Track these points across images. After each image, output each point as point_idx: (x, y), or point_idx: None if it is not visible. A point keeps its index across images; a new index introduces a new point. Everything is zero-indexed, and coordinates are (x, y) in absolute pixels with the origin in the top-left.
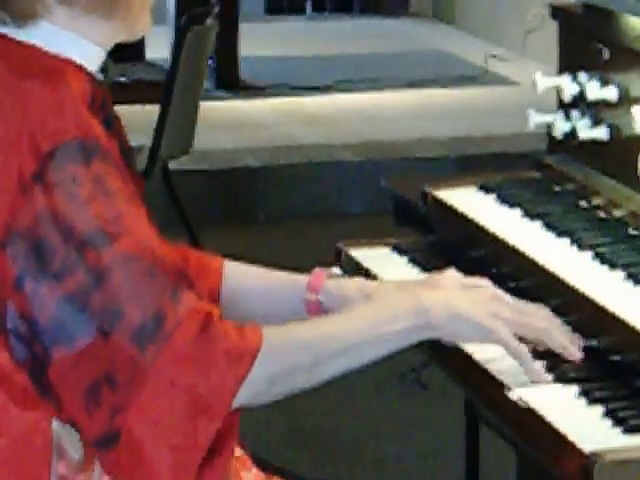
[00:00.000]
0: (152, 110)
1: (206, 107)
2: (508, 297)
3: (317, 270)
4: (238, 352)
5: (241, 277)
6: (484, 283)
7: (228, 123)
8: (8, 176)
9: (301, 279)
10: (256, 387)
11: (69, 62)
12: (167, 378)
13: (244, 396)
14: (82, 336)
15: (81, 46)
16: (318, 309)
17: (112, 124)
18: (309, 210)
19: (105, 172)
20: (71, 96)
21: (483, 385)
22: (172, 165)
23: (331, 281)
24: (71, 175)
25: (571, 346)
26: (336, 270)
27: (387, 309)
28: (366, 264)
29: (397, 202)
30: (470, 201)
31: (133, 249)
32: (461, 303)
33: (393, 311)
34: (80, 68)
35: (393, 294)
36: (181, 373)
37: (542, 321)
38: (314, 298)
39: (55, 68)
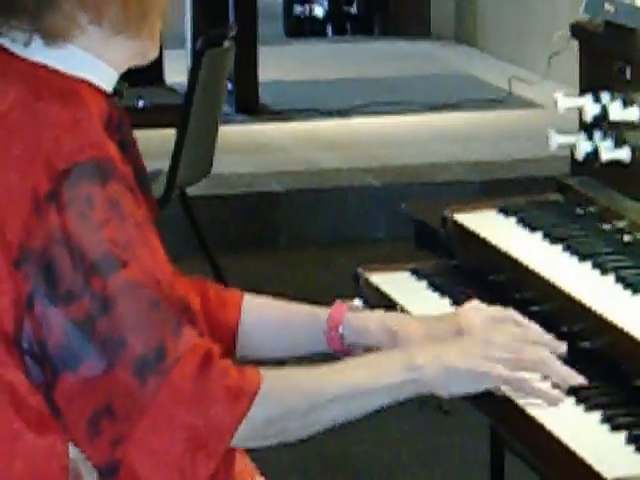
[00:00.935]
0: (170, 134)
1: (225, 131)
2: (500, 336)
3: (338, 302)
4: (237, 390)
5: (260, 311)
6: (509, 313)
7: (248, 147)
8: (23, 195)
9: (322, 312)
10: (253, 427)
11: (85, 82)
12: (166, 413)
13: (241, 435)
14: (87, 363)
15: (97, 68)
16: (339, 342)
17: (128, 146)
18: (330, 235)
19: (119, 195)
20: (88, 116)
21: (507, 412)
22: (191, 190)
23: (352, 314)
24: (85, 195)
25: (571, 375)
26: (357, 302)
27: (381, 364)
28: (385, 289)
29: (417, 226)
30: (490, 225)
31: (140, 277)
32: (452, 356)
33: (386, 367)
34: (96, 88)
35: (390, 353)
36: (180, 409)
37: (536, 353)
38: (335, 331)
39: (72, 88)
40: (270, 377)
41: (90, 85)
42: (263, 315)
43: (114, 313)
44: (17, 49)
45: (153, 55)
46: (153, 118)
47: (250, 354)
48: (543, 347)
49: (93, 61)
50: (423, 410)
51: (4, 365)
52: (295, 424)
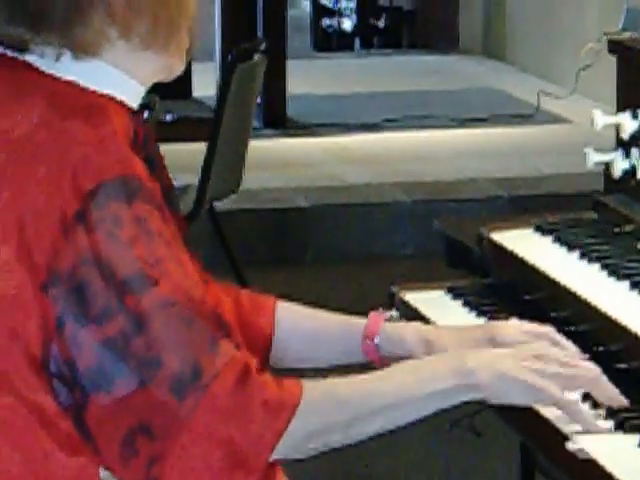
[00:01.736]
0: (199, 148)
1: (253, 146)
2: (553, 350)
3: (374, 313)
4: (277, 405)
5: (295, 318)
6: (546, 330)
7: (275, 162)
8: (50, 216)
9: (358, 322)
10: (293, 441)
11: (110, 98)
12: (204, 430)
13: (281, 450)
14: (121, 383)
15: (123, 83)
16: (375, 352)
17: (154, 162)
18: (358, 251)
19: (147, 213)
20: (113, 133)
21: (541, 433)
22: (219, 205)
23: (389, 324)
24: (113, 214)
25: (618, 395)
26: (394, 313)
27: (429, 369)
28: (420, 307)
29: (450, 244)
30: (526, 243)
31: (172, 294)
32: (506, 364)
33: (435, 371)
34: (121, 104)
35: (438, 357)
36: (218, 425)
37: (587, 372)
38: (371, 341)
39: (97, 105)
40: (310, 389)
41: (116, 102)
42: (298, 322)
43: (148, 332)
44: (44, 65)
45: (179, 70)
46: (181, 132)
47: (284, 362)
48: (593, 365)
49: (120, 76)
50: (454, 430)
51: (33, 388)
52: (337, 437)
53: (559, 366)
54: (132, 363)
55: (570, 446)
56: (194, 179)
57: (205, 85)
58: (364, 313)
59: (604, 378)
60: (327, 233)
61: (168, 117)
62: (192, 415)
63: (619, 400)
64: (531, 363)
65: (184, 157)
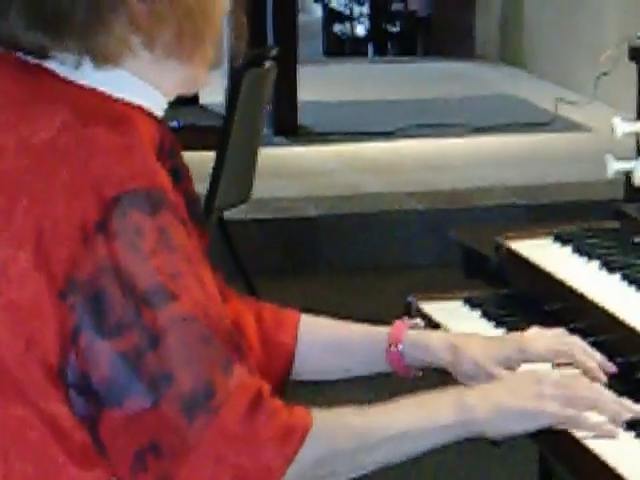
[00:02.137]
0: (206, 156)
1: (264, 154)
2: (553, 373)
3: (398, 321)
4: (287, 431)
5: (318, 332)
6: (573, 339)
7: (287, 170)
8: (71, 224)
9: (381, 330)
10: (301, 468)
11: (136, 107)
12: (213, 453)
13: (290, 476)
14: (134, 399)
15: (146, 93)
16: (399, 360)
17: (180, 173)
18: (372, 262)
19: (169, 225)
20: (139, 142)
21: (560, 442)
22: (228, 214)
23: (413, 331)
24: (135, 225)
25: (623, 412)
26: (419, 321)
27: (432, 404)
28: (437, 318)
29: (467, 254)
30: (545, 253)
31: (190, 310)
32: (503, 396)
33: (438, 407)
34: (147, 113)
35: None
36: (228, 449)
37: (589, 391)
38: (395, 349)
39: (123, 113)
40: (320, 417)
41: (141, 110)
42: (321, 336)
43: (163, 348)
44: (65, 72)
45: (204, 82)
46: (188, 139)
47: (307, 375)
48: (596, 383)
49: (143, 86)
50: (471, 440)
51: (48, 398)
52: (344, 466)
53: (558, 388)
54: (145, 379)
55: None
56: (202, 188)
57: (213, 92)
58: (379, 323)
59: (607, 396)
60: (339, 243)
61: (175, 124)
62: (201, 437)
63: (625, 414)
64: (529, 389)
65: (191, 165)
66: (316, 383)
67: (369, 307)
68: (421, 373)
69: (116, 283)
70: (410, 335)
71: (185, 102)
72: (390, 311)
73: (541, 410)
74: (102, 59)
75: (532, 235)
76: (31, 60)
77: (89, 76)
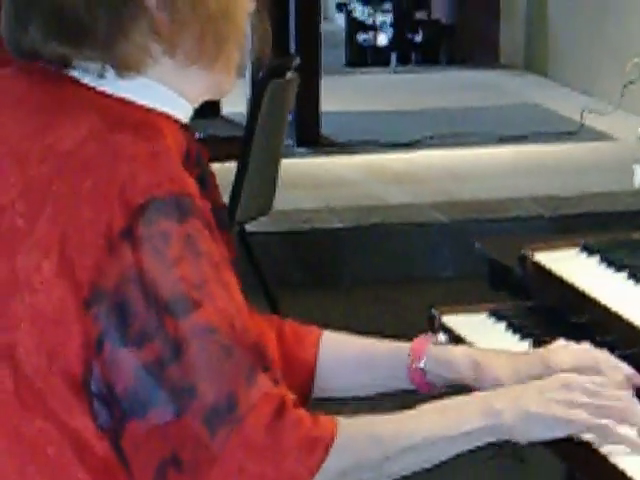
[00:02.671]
0: (227, 168)
1: (286, 165)
2: (582, 379)
3: (420, 337)
4: (312, 441)
5: (339, 349)
6: (600, 353)
7: (309, 181)
8: (96, 231)
9: (403, 346)
10: (326, 479)
11: (161, 113)
12: (236, 464)
13: None
14: (155, 410)
15: (172, 100)
16: (421, 377)
17: (206, 181)
18: (396, 274)
19: (197, 232)
20: (165, 149)
21: (587, 459)
22: (250, 226)
23: (435, 347)
24: (162, 231)
25: None
26: (441, 337)
27: (457, 410)
28: (461, 331)
29: (492, 265)
30: (572, 264)
31: (213, 320)
32: (531, 400)
33: (463, 412)
34: (173, 120)
35: (465, 398)
36: (251, 460)
37: (618, 402)
38: (417, 365)
39: (148, 120)
40: (345, 427)
41: (167, 117)
42: (342, 353)
43: (185, 358)
44: (89, 81)
45: (228, 88)
46: (210, 150)
47: (328, 392)
48: (626, 393)
49: (167, 93)
50: (498, 457)
51: (70, 410)
52: (369, 475)
53: (588, 396)
54: (167, 390)
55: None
56: (224, 199)
57: (234, 102)
58: (403, 337)
59: (637, 407)
60: (363, 255)
61: (196, 135)
62: (224, 450)
63: None
64: (558, 395)
65: None
66: (338, 400)
67: (393, 320)
68: (443, 390)
69: (140, 292)
70: (432, 351)
71: (207, 113)
72: (414, 324)
73: (570, 417)
74: (124, 68)
75: (558, 246)
76: (55, 69)
77: (112, 85)
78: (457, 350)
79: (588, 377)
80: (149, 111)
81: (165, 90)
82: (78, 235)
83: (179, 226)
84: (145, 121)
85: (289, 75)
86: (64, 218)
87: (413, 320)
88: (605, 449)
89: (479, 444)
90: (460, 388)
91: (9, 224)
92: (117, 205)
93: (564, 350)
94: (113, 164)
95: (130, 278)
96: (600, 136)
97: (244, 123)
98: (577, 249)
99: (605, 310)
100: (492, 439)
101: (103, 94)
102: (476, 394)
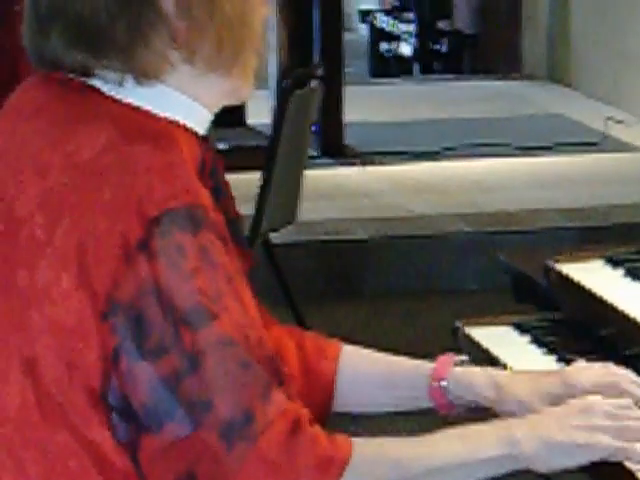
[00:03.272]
0: (252, 178)
1: (309, 175)
2: (601, 403)
3: (443, 356)
4: (327, 460)
5: (360, 363)
6: (622, 372)
7: (332, 192)
8: (113, 242)
9: (425, 365)
10: None
11: (178, 125)
12: None
13: None
14: (172, 424)
15: (191, 108)
16: (442, 397)
17: (221, 193)
18: (419, 285)
19: (211, 244)
20: (181, 161)
21: (613, 475)
22: (274, 237)
23: (458, 368)
24: (177, 244)
25: None
26: (464, 357)
27: (476, 436)
28: (486, 344)
29: (517, 277)
30: (597, 276)
31: (229, 333)
32: (552, 429)
33: (482, 439)
34: (189, 131)
35: (485, 424)
36: (267, 476)
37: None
38: (438, 385)
39: (165, 131)
40: (361, 447)
41: (184, 128)
42: (362, 368)
43: (202, 371)
44: (109, 89)
45: (247, 94)
46: (235, 160)
47: (347, 407)
48: None
49: (186, 101)
50: (524, 475)
51: (89, 423)
52: None
53: (608, 418)
54: (184, 404)
55: None
56: (247, 209)
57: (259, 112)
58: (426, 350)
59: None
60: (387, 266)
61: (221, 145)
62: (239, 466)
63: None
64: (577, 420)
65: (237, 186)
66: (357, 415)
67: (415, 331)
68: (462, 411)
69: (156, 304)
70: (454, 372)
71: (231, 123)
72: (437, 336)
73: (592, 443)
74: (143, 75)
75: (583, 258)
76: (75, 79)
77: (132, 92)
78: (479, 372)
79: (608, 401)
80: (166, 122)
81: (183, 97)
82: (95, 247)
83: (193, 238)
84: (162, 132)
85: (313, 85)
86: (81, 230)
87: (436, 332)
88: (635, 467)
89: (499, 472)
90: (479, 410)
91: (29, 235)
92: (134, 217)
93: (585, 369)
94: (130, 176)
95: (147, 290)
96: (625, 147)
97: (269, 133)
98: (602, 261)
99: (631, 323)
100: (510, 468)
101: (122, 104)
102: (496, 422)
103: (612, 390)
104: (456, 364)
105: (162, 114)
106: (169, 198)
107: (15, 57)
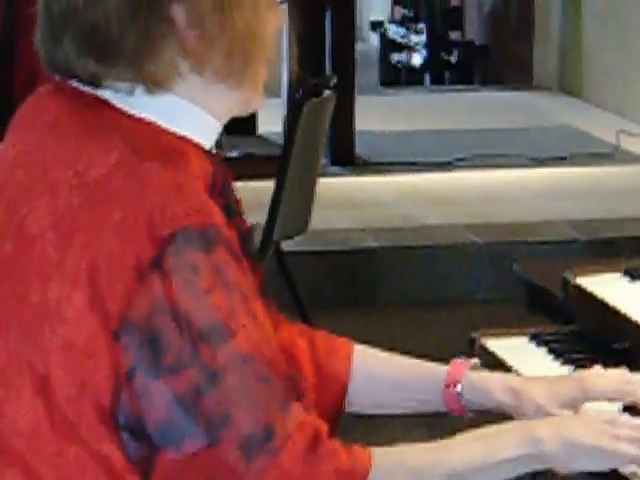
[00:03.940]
0: (263, 186)
1: (320, 184)
2: (623, 417)
3: (457, 360)
4: (347, 473)
5: (372, 364)
6: (638, 379)
7: (343, 201)
8: (125, 262)
9: (439, 368)
10: None
11: (188, 141)
12: None
13: None
14: (190, 440)
15: (200, 119)
16: (456, 401)
17: (232, 210)
18: (430, 296)
19: (224, 262)
20: (192, 179)
21: None
22: (286, 245)
23: (472, 372)
24: (190, 263)
25: None
26: (477, 361)
27: (496, 437)
28: (502, 355)
29: (531, 289)
30: (614, 288)
31: (248, 349)
32: (575, 431)
33: (503, 440)
34: (200, 148)
35: (505, 426)
36: None
37: None
38: (453, 390)
39: (177, 148)
40: (379, 457)
41: (192, 143)
42: (374, 368)
43: (222, 387)
44: (119, 101)
45: (256, 105)
46: (246, 169)
47: (358, 408)
48: None
49: (196, 111)
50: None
51: (100, 440)
52: None
53: (632, 429)
54: (202, 420)
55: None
56: (259, 218)
57: (270, 121)
58: (437, 359)
59: None
60: (397, 276)
61: (233, 154)
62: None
63: None
64: (604, 427)
65: (248, 195)
66: (370, 416)
67: (426, 341)
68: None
69: (172, 322)
70: (469, 377)
71: (243, 132)
72: (448, 346)
73: (615, 449)
74: (153, 84)
75: (599, 270)
76: (86, 89)
77: (142, 103)
78: (494, 377)
79: (629, 416)
80: (178, 138)
81: (192, 108)
82: (107, 266)
83: (206, 257)
84: (173, 149)
85: (326, 94)
86: (93, 249)
87: (447, 342)
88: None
89: (520, 471)
90: (492, 414)
91: (41, 253)
92: (145, 236)
93: (602, 375)
94: (141, 195)
95: (161, 309)
96: (637, 158)
97: (280, 142)
98: (619, 273)
99: None
100: (532, 467)
101: (133, 119)
102: (516, 423)
103: (629, 397)
104: (470, 369)
105: (172, 128)
106: (181, 217)
107: (34, 58)
